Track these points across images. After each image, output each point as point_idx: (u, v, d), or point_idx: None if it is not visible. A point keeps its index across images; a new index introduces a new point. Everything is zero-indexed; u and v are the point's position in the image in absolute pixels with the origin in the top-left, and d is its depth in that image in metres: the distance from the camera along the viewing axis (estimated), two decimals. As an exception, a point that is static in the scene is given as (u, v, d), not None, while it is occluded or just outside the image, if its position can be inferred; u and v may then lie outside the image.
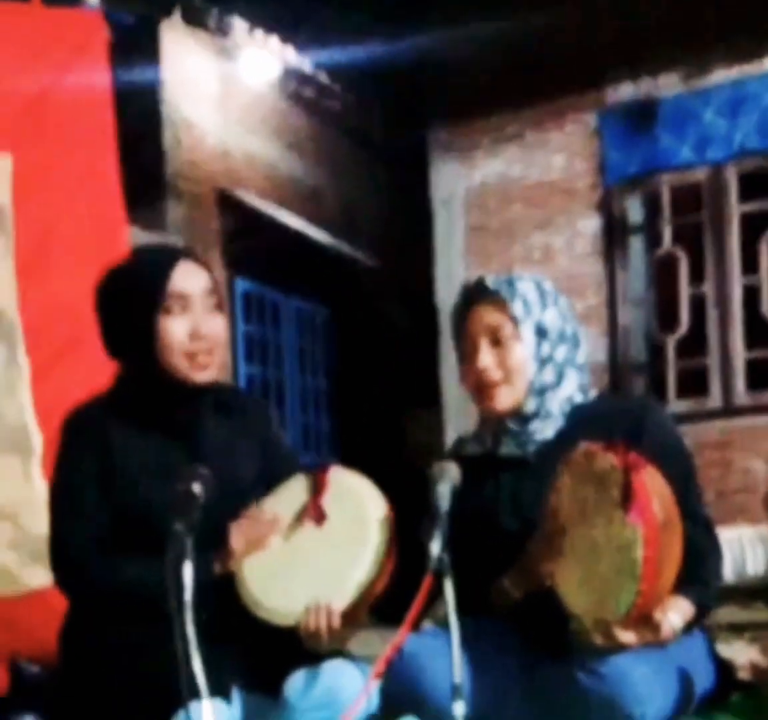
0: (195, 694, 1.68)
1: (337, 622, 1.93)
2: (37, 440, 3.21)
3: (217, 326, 2.11)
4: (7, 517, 3.13)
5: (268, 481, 2.14)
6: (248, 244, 6.35)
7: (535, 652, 2.02)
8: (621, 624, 1.82)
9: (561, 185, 5.98)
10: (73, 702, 2.01)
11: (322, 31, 6.58)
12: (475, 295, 2.14)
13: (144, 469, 2.06)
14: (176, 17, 6.46)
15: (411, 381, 7.27)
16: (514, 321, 2.08)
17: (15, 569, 3.11)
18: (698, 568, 1.94)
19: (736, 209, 5.65)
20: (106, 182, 3.62)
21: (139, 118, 5.10)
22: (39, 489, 3.08)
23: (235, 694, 1.95)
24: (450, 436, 5.41)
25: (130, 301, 2.07)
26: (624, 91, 5.87)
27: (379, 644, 1.80)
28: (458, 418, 5.38)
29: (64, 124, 3.51)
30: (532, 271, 3.45)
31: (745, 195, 5.66)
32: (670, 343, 5.66)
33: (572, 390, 2.12)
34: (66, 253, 3.40)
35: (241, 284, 6.63)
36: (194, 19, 6.60)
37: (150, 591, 1.84)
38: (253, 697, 2.01)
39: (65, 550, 2.06)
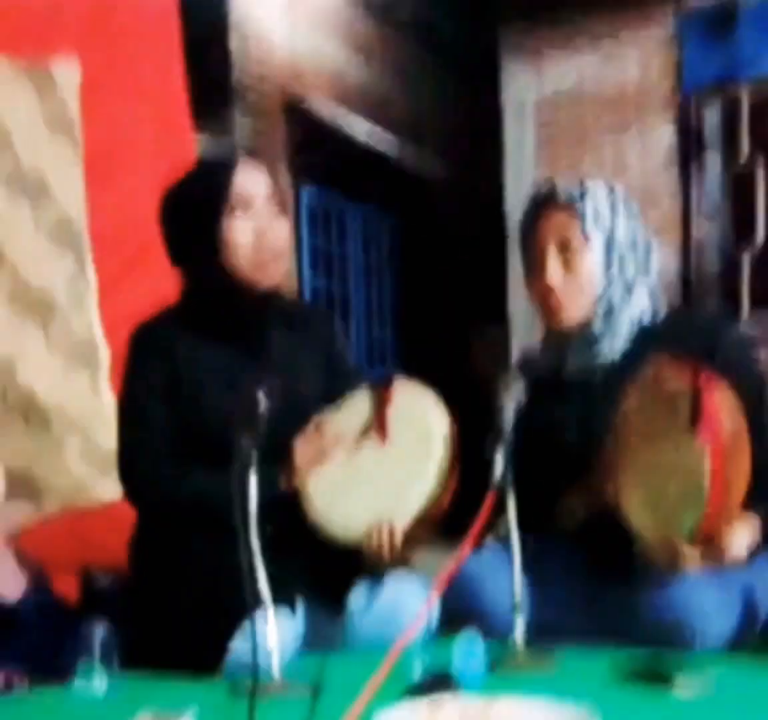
0: (260, 604, 1.71)
1: (399, 540, 1.94)
2: (104, 354, 3.22)
3: (281, 230, 2.10)
4: (78, 431, 3.16)
5: (332, 395, 2.14)
6: (315, 152, 6.27)
7: (598, 572, 2.02)
8: (687, 544, 1.82)
9: (636, 93, 5.79)
10: (142, 611, 2.05)
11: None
12: (546, 200, 2.08)
13: (210, 381, 2.07)
14: None
15: (478, 294, 7.20)
16: (585, 232, 2.02)
17: (86, 482, 3.15)
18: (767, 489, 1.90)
19: (818, 120, 5.45)
20: (173, 89, 3.58)
21: (205, 24, 5.00)
22: (108, 403, 3.11)
23: (299, 606, 1.98)
24: (516, 352, 5.37)
25: (194, 204, 2.06)
26: (705, -5, 5.64)
27: (443, 561, 1.80)
28: (525, 332, 5.33)
29: (130, 29, 3.46)
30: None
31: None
32: (745, 258, 5.53)
33: (642, 306, 2.08)
34: (133, 160, 3.37)
35: (308, 194, 6.57)
36: None
37: (216, 502, 1.85)
38: (317, 610, 2.04)
39: (133, 462, 2.09)
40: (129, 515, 2.16)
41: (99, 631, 1.82)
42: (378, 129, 7.07)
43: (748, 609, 1.94)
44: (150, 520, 2.13)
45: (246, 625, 1.78)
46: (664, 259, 5.31)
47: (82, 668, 1.82)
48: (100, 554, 2.55)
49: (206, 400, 2.05)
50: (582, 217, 2.03)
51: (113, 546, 2.25)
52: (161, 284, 2.30)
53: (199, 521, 1.98)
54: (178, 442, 2.06)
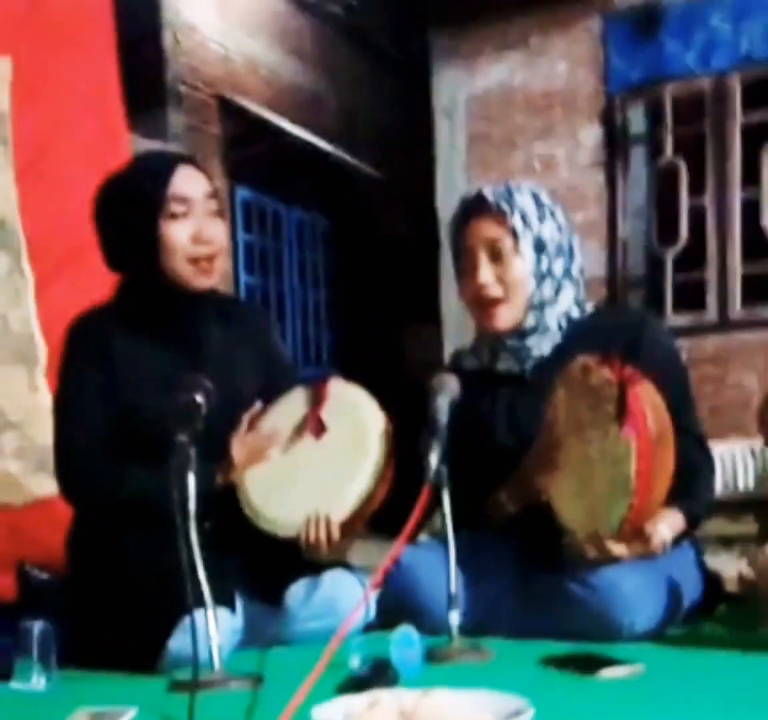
0: (199, 601, 1.72)
1: (336, 532, 1.97)
2: (41, 350, 3.20)
3: (218, 231, 2.11)
4: (13, 427, 3.15)
5: (268, 392, 2.16)
6: (249, 151, 6.28)
7: (529, 564, 2.07)
8: (613, 537, 1.87)
9: (564, 93, 5.87)
10: (81, 608, 2.06)
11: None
12: (475, 208, 2.13)
13: (146, 378, 2.07)
14: None
15: (411, 293, 7.26)
16: (514, 235, 2.08)
17: (21, 478, 3.13)
18: (690, 482, 1.99)
19: (738, 120, 5.57)
20: (107, 87, 3.55)
21: (139, 22, 4.99)
22: (44, 398, 3.07)
23: (238, 601, 2.00)
24: (448, 351, 5.42)
25: (131, 206, 2.06)
26: (629, -4, 5.73)
27: (377, 555, 1.84)
28: (457, 332, 5.39)
29: (64, 27, 3.43)
30: (533, 182, 3.43)
31: (748, 105, 5.57)
32: (669, 257, 5.64)
33: (569, 304, 2.14)
34: (66, 159, 3.35)
35: (242, 193, 6.57)
36: None
37: (154, 499, 1.87)
38: (255, 606, 2.06)
39: (69, 458, 2.09)
40: (65, 511, 2.16)
41: (37, 629, 1.82)
42: (311, 129, 7.09)
43: (672, 597, 2.01)
44: (87, 516, 2.13)
45: (185, 621, 1.79)
46: (591, 259, 5.44)
47: (20, 666, 1.81)
48: (36, 550, 2.54)
49: (142, 397, 2.06)
50: (510, 222, 2.08)
51: (50, 542, 2.25)
52: (97, 281, 2.30)
53: (137, 518, 1.99)
54: (114, 439, 2.07)
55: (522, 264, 2.09)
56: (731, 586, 2.21)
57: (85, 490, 2.08)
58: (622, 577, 1.93)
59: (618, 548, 1.89)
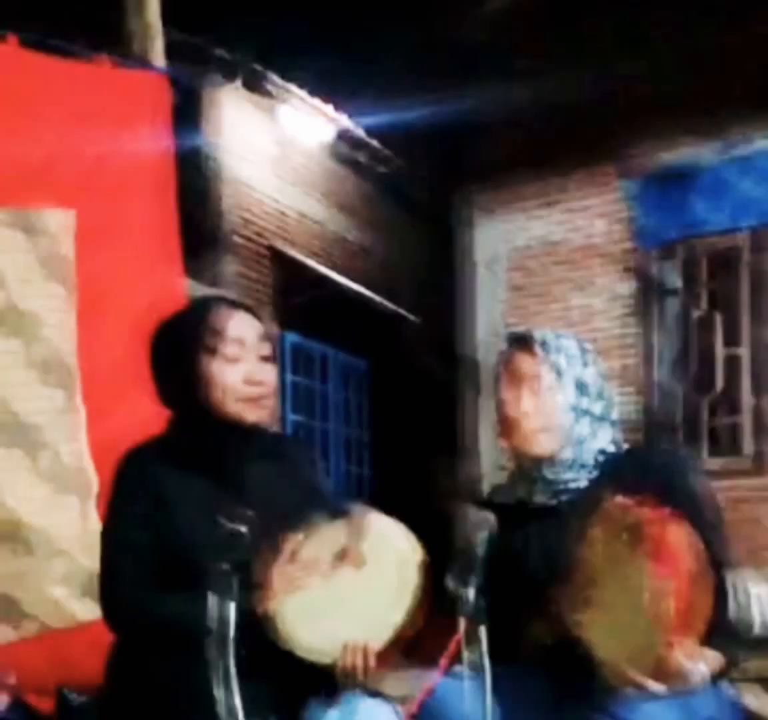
0: (234, 728, 1.75)
1: (373, 661, 1.98)
2: (94, 481, 3.32)
3: (269, 374, 2.16)
4: (63, 553, 3.24)
5: (309, 521, 2.15)
6: (297, 299, 6.50)
7: (564, 698, 2.06)
8: (649, 673, 1.86)
9: (600, 249, 6.08)
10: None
11: (373, 97, 6.78)
12: (520, 345, 2.21)
13: (192, 510, 2.12)
14: (237, 82, 6.72)
15: (447, 432, 7.36)
16: (558, 372, 2.15)
17: (66, 603, 3.20)
18: (726, 620, 1.96)
19: (771, 273, 5.73)
20: (166, 237, 3.75)
21: (197, 177, 5.27)
22: (94, 527, 3.12)
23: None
24: (487, 486, 5.45)
25: (186, 346, 2.13)
26: (662, 158, 5.99)
27: (406, 685, 1.85)
28: (494, 469, 5.44)
29: (127, 182, 3.65)
30: (571, 331, 3.56)
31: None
32: (704, 403, 5.71)
33: (606, 442, 2.17)
34: (124, 304, 3.51)
35: (290, 337, 6.79)
36: (253, 84, 6.85)
37: (192, 626, 1.88)
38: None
39: (113, 586, 2.13)
40: (107, 636, 2.19)
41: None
42: (355, 278, 7.35)
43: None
44: (127, 641, 2.16)
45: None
46: (626, 404, 5.51)
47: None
48: (76, 674, 2.55)
49: (188, 527, 2.10)
50: (554, 360, 2.16)
51: (91, 666, 2.26)
52: (148, 418, 2.40)
53: (175, 644, 2.01)
54: (159, 568, 2.10)
55: (563, 399, 2.14)
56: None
57: (126, 615, 2.12)
58: (657, 714, 1.91)
59: (653, 685, 1.86)
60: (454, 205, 6.82)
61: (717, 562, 1.94)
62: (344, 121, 7.51)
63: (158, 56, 3.82)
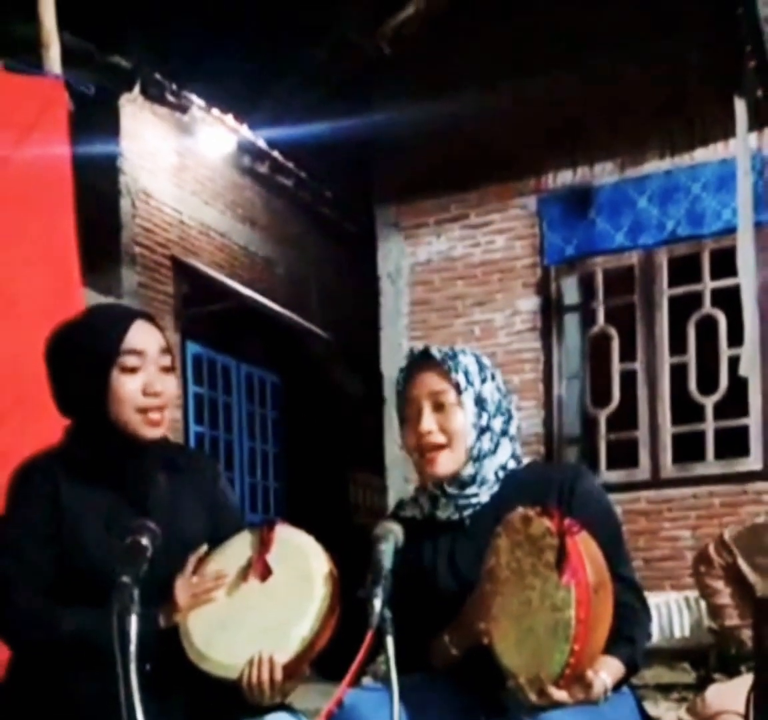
0: (139, 745, 1.71)
1: (279, 675, 1.96)
2: (-13, 490, 3.23)
3: (170, 385, 2.15)
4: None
5: (214, 537, 2.18)
6: (200, 310, 6.47)
7: (473, 708, 2.08)
8: (554, 682, 1.88)
9: (501, 265, 6.16)
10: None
11: (275, 109, 6.77)
12: (420, 362, 2.22)
13: (91, 523, 2.09)
14: (135, 91, 6.64)
15: (356, 445, 7.38)
16: (458, 389, 2.16)
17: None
18: (627, 628, 2.02)
19: (665, 292, 5.88)
20: (64, 245, 3.66)
21: (97, 186, 5.21)
22: None
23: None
24: (392, 499, 5.49)
25: (85, 356, 2.10)
26: (563, 178, 6.11)
27: (320, 698, 1.83)
28: (400, 481, 5.47)
29: (24, 190, 3.56)
30: (473, 346, 3.60)
31: (674, 279, 5.89)
32: (602, 417, 5.83)
33: (507, 457, 2.21)
34: (22, 310, 3.43)
35: (192, 347, 6.74)
36: (153, 93, 6.78)
37: (93, 642, 1.88)
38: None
39: (8, 600, 2.07)
40: (2, 652, 2.15)
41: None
42: (262, 291, 7.33)
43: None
44: (25, 657, 2.11)
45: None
46: (527, 418, 5.60)
47: None
48: None
49: (87, 539, 2.08)
50: (454, 378, 2.17)
51: None
52: (44, 428, 2.33)
53: (76, 660, 1.98)
54: (57, 581, 2.07)
55: (463, 416, 2.16)
56: (671, 734, 2.22)
57: (22, 631, 2.07)
58: None
59: (559, 694, 1.89)
60: (360, 219, 6.86)
61: (616, 573, 1.98)
62: (246, 132, 7.49)
63: (55, 63, 3.71)
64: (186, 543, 2.12)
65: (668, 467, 5.62)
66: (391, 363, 5.90)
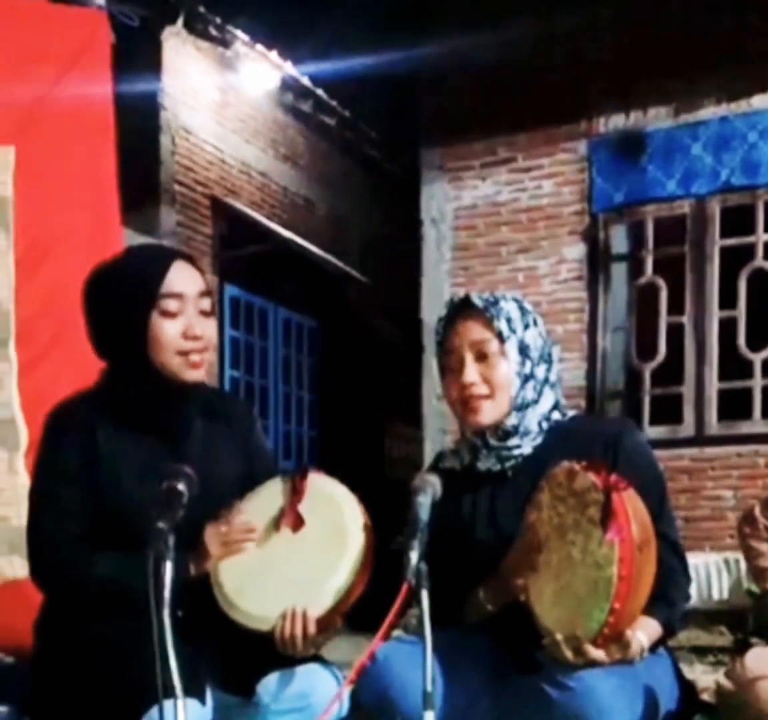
0: (169, 691, 1.69)
1: (312, 629, 1.94)
2: (23, 434, 3.20)
3: (209, 328, 2.12)
4: (-11, 508, 3.12)
5: (249, 484, 2.16)
6: (239, 251, 6.41)
7: (506, 664, 2.06)
8: (591, 641, 1.85)
9: (548, 211, 6.06)
10: (47, 694, 2.02)
11: (320, 46, 6.66)
12: (461, 310, 2.17)
13: (128, 467, 2.07)
14: (179, 24, 6.52)
15: (393, 394, 7.34)
16: (500, 338, 2.11)
17: (-5, 558, 3.10)
18: (667, 589, 1.99)
19: (717, 243, 5.75)
20: (104, 182, 3.65)
21: (138, 123, 5.13)
22: (23, 481, 3.07)
23: (209, 694, 1.96)
24: (429, 451, 5.45)
25: (124, 299, 2.06)
26: (615, 122, 5.96)
27: (353, 651, 1.82)
28: (437, 433, 5.42)
29: (65, 122, 3.53)
30: (517, 293, 3.51)
31: (726, 230, 5.75)
32: (647, 371, 5.73)
33: (550, 407, 2.17)
34: (62, 249, 3.42)
35: (230, 290, 6.69)
36: (196, 27, 6.67)
37: (126, 587, 1.86)
38: (226, 697, 2.03)
39: (43, 544, 2.07)
40: (35, 594, 2.13)
41: (1, 715, 1.79)
42: (301, 233, 7.25)
43: (649, 705, 1.99)
44: (57, 601, 2.10)
45: (153, 711, 1.75)
46: (571, 370, 5.51)
47: (-15, 752, 1.78)
48: (5, 634, 2.49)
49: (124, 484, 2.05)
50: (496, 325, 2.12)
51: (17, 625, 2.22)
52: (82, 367, 2.32)
53: (108, 605, 1.96)
54: (91, 526, 2.05)
55: (507, 365, 2.12)
56: (706, 696, 2.20)
57: (56, 575, 2.06)
58: (599, 681, 1.89)
59: (596, 652, 1.87)
60: (403, 161, 6.75)
61: (660, 533, 1.94)
62: (290, 69, 7.34)
63: (98, -6, 3.69)
64: (222, 489, 2.10)
65: (713, 424, 5.53)
66: (432, 310, 5.82)
